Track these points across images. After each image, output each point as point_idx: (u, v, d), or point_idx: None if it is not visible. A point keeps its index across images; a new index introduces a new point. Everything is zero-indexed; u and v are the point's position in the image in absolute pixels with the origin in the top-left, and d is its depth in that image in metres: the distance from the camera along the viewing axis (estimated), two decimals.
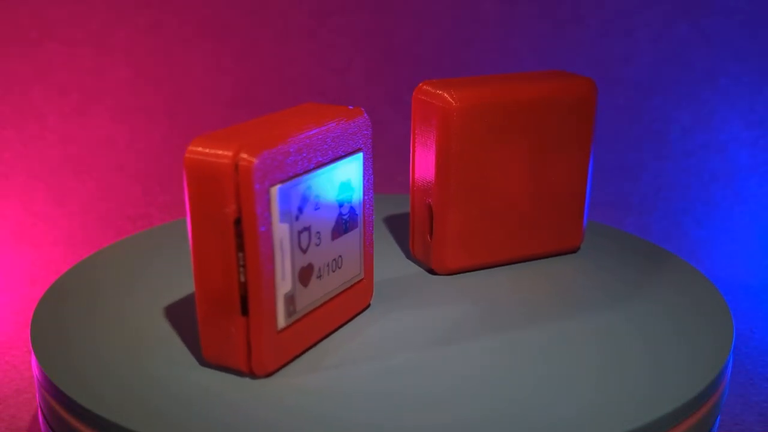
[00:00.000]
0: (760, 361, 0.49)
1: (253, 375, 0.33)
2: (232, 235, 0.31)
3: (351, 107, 0.36)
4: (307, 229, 0.33)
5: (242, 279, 0.31)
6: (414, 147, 0.41)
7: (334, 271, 0.35)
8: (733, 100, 0.65)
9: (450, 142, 0.39)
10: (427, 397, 0.32)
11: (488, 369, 0.34)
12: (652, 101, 0.66)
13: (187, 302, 0.39)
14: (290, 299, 0.32)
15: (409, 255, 0.44)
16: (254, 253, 0.31)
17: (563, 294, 0.40)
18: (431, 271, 0.42)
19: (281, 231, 0.31)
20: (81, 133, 0.66)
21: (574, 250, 0.44)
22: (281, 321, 0.32)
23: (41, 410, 0.35)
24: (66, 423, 0.32)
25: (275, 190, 0.31)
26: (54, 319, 0.37)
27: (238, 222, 0.30)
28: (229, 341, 0.32)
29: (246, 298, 0.31)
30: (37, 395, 0.38)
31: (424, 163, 0.40)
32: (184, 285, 0.41)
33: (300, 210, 0.32)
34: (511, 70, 0.67)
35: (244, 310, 0.31)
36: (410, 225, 0.43)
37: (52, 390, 0.33)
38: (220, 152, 0.30)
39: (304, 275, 0.33)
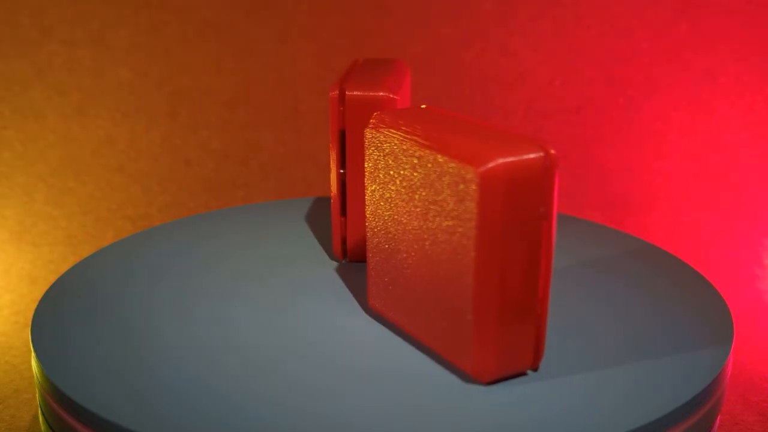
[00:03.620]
0: (760, 361, 0.49)
1: (534, 369, 0.33)
2: (540, 234, 0.31)
3: (423, 106, 0.37)
4: None
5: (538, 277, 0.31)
6: (349, 145, 0.41)
7: None
8: (733, 100, 0.65)
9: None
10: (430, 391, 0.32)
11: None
12: (652, 101, 0.66)
13: (186, 302, 0.39)
14: None
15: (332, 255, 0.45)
16: (550, 247, 0.31)
17: (562, 294, 0.40)
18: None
19: None
20: (81, 133, 0.66)
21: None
22: None
23: (41, 410, 0.35)
24: (66, 423, 0.32)
25: None
26: (54, 319, 0.37)
27: (541, 221, 0.31)
28: (519, 346, 0.32)
29: (541, 296, 0.32)
30: (37, 395, 0.38)
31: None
32: (184, 284, 0.41)
33: None
34: (512, 70, 0.67)
35: (536, 308, 0.32)
36: (340, 227, 0.43)
37: (52, 390, 0.33)
38: (533, 155, 0.30)
39: None
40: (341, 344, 0.36)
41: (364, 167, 0.41)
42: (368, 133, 0.35)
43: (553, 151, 0.31)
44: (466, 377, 0.33)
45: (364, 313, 0.38)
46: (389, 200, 0.35)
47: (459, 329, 0.32)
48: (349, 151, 0.41)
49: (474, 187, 0.30)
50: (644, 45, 0.66)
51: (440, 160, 0.32)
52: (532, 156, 0.30)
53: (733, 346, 0.36)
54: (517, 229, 0.31)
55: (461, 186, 0.31)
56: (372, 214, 0.36)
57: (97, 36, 0.66)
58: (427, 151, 0.32)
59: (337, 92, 0.40)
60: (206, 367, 0.34)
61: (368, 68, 0.44)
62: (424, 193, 0.33)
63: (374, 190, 0.36)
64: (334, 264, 0.43)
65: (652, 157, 0.65)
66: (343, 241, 0.43)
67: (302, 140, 0.68)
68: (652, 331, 0.37)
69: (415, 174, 0.33)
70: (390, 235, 0.35)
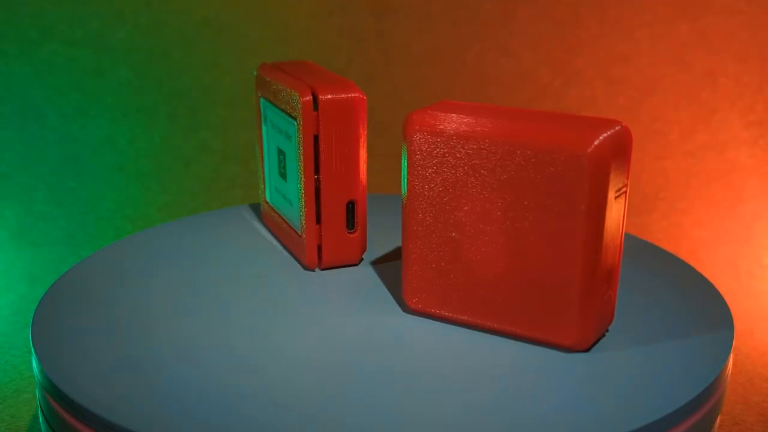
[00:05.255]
0: (760, 361, 0.49)
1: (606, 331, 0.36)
2: (621, 206, 0.34)
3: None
4: None
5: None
6: (324, 150, 0.40)
7: None
8: (733, 100, 0.65)
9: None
10: (430, 387, 0.32)
11: (485, 367, 0.34)
12: (652, 101, 0.66)
13: (186, 302, 0.39)
14: None
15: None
16: (625, 217, 0.35)
17: None
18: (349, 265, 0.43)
19: None
20: (81, 133, 0.66)
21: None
22: None
23: (41, 410, 0.35)
24: (66, 423, 0.32)
25: None
26: (54, 319, 0.37)
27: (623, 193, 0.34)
28: (604, 312, 0.35)
29: (618, 263, 0.35)
30: (37, 395, 0.38)
31: (346, 160, 0.40)
32: (184, 285, 0.41)
33: None
34: (512, 70, 0.67)
35: (615, 275, 0.35)
36: (315, 235, 0.42)
37: (52, 390, 0.33)
38: (617, 128, 0.33)
39: None
40: (410, 341, 0.36)
41: (337, 172, 0.40)
42: (414, 138, 0.35)
43: (625, 124, 0.33)
44: (550, 348, 0.35)
45: (404, 313, 0.38)
46: (448, 199, 0.35)
47: (556, 306, 0.34)
48: (324, 156, 0.40)
49: (584, 167, 0.32)
50: (644, 45, 0.66)
51: (532, 148, 0.33)
52: (617, 130, 0.33)
53: (733, 346, 0.36)
54: (612, 204, 0.33)
55: (567, 169, 0.32)
56: (417, 216, 0.36)
57: (97, 36, 0.66)
58: (510, 143, 0.33)
59: (309, 97, 0.39)
60: (205, 367, 0.34)
61: (303, 70, 0.43)
62: (506, 184, 0.34)
63: (421, 192, 0.36)
64: (316, 273, 0.43)
65: (652, 157, 0.65)
66: (319, 250, 0.42)
67: None
68: (652, 331, 0.37)
69: (487, 167, 0.34)
70: (447, 233, 0.36)
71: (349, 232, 0.42)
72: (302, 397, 0.32)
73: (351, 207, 0.41)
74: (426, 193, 0.36)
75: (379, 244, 0.45)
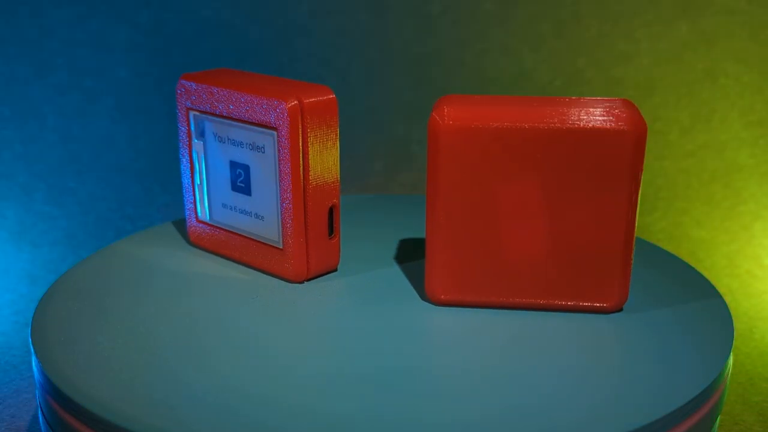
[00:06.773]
0: (760, 361, 0.49)
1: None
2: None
3: None
4: None
5: None
6: (312, 155, 0.39)
7: None
8: (733, 100, 0.65)
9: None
10: (431, 391, 0.32)
11: (486, 368, 0.34)
12: (652, 101, 0.66)
13: (187, 302, 0.39)
14: None
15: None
16: None
17: None
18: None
19: None
20: (81, 133, 0.66)
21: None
22: None
23: (41, 410, 0.35)
24: (66, 423, 0.32)
25: None
26: (54, 319, 0.38)
27: None
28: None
29: None
30: (37, 395, 0.38)
31: (326, 164, 0.40)
32: (184, 284, 0.41)
33: None
34: (512, 70, 0.67)
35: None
36: (305, 244, 0.40)
37: (52, 390, 0.33)
38: (630, 104, 0.36)
39: None
40: (451, 332, 0.37)
41: (320, 177, 0.40)
42: (444, 133, 0.36)
43: (627, 99, 0.36)
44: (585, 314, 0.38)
45: (430, 305, 0.38)
46: (481, 188, 0.36)
47: (599, 272, 0.37)
48: (312, 161, 0.39)
49: (627, 141, 0.35)
50: (644, 45, 0.66)
51: (572, 130, 0.35)
52: (631, 105, 0.36)
53: (733, 346, 0.36)
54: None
55: (610, 145, 0.35)
56: (445, 208, 0.37)
57: (97, 36, 0.66)
58: (549, 128, 0.35)
59: (296, 103, 0.38)
60: (204, 367, 0.34)
61: (253, 77, 0.42)
62: (548, 167, 0.35)
63: (451, 184, 0.36)
64: (303, 284, 0.41)
65: (652, 157, 0.65)
66: (308, 259, 0.41)
67: None
68: (652, 331, 0.37)
69: (525, 152, 0.35)
70: (480, 221, 0.37)
71: (329, 238, 0.41)
72: (365, 396, 0.32)
73: (331, 212, 0.41)
74: (457, 184, 0.36)
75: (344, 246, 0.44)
